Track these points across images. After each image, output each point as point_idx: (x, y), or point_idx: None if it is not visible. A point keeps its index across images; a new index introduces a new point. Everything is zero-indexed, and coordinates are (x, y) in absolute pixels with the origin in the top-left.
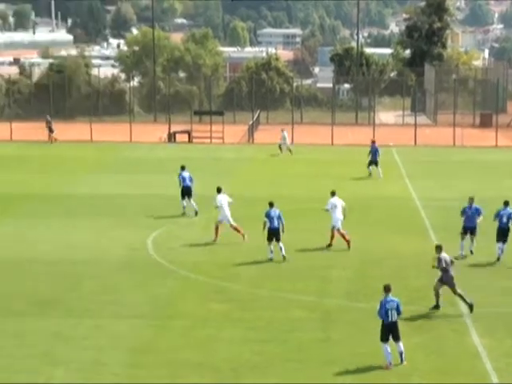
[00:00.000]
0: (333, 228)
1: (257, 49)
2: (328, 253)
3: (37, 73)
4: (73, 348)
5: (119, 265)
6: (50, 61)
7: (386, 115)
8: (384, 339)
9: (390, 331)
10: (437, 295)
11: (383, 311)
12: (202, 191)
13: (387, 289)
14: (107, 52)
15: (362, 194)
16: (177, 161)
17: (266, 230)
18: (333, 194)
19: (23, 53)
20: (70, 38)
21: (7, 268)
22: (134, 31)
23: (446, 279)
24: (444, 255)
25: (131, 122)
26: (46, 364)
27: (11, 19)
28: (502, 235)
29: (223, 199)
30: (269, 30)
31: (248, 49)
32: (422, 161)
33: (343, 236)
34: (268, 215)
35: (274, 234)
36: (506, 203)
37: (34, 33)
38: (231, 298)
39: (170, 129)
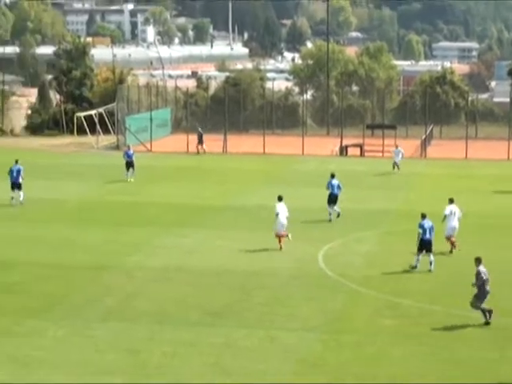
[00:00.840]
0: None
1: (431, 62)
2: (506, 270)
3: (213, 86)
4: (244, 359)
5: (290, 277)
6: (226, 74)
7: None
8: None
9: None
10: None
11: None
12: (375, 205)
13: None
14: (281, 65)
15: None
16: (348, 174)
17: (418, 240)
18: (451, 201)
19: (201, 66)
20: (246, 51)
21: (181, 277)
22: (309, 45)
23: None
24: (482, 269)
25: (304, 135)
26: (217, 373)
27: (191, 33)
28: None
29: (281, 208)
30: (444, 43)
31: (422, 62)
32: None
33: (453, 243)
34: (421, 226)
35: (425, 245)
36: None
37: (211, 46)
38: (402, 313)
39: (341, 142)
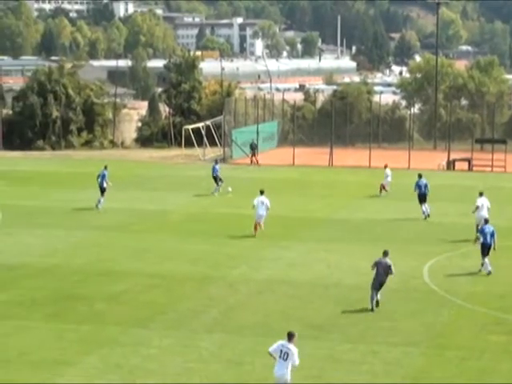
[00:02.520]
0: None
1: None
2: None
3: (320, 99)
4: (346, 372)
5: (395, 291)
6: (334, 87)
7: None
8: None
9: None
10: None
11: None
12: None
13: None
14: (389, 79)
15: None
16: (455, 188)
17: (480, 245)
18: (480, 194)
19: (308, 79)
20: (354, 64)
21: (285, 290)
22: (417, 58)
23: None
24: None
25: (410, 148)
26: None
27: (299, 46)
28: None
29: (259, 201)
30: None
31: None
32: None
33: None
34: (482, 231)
35: (487, 249)
36: None
37: (319, 60)
38: (510, 330)
39: (449, 156)
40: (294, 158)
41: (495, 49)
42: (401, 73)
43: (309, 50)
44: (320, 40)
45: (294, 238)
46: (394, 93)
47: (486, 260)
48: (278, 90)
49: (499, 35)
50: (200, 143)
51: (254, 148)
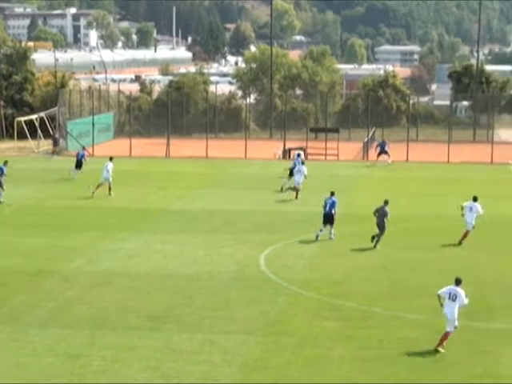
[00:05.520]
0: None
1: (374, 66)
2: (443, 270)
3: (156, 90)
4: (184, 363)
5: (231, 281)
6: (170, 78)
7: (506, 133)
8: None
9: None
10: None
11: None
12: (318, 208)
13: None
14: (225, 69)
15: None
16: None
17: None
18: (475, 199)
19: (144, 70)
20: (190, 55)
21: (123, 281)
22: (253, 48)
23: None
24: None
25: (247, 138)
26: (158, 377)
27: (134, 37)
28: None
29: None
30: (386, 47)
31: (365, 66)
32: None
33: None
34: (324, 202)
35: (326, 218)
36: None
37: (155, 50)
38: (344, 315)
39: (284, 145)
40: (131, 150)
41: (327, 39)
42: (236, 63)
43: (144, 41)
44: (155, 30)
45: (132, 230)
46: (230, 83)
47: (333, 230)
48: (113, 80)
49: (331, 25)
50: (34, 135)
51: (56, 139)
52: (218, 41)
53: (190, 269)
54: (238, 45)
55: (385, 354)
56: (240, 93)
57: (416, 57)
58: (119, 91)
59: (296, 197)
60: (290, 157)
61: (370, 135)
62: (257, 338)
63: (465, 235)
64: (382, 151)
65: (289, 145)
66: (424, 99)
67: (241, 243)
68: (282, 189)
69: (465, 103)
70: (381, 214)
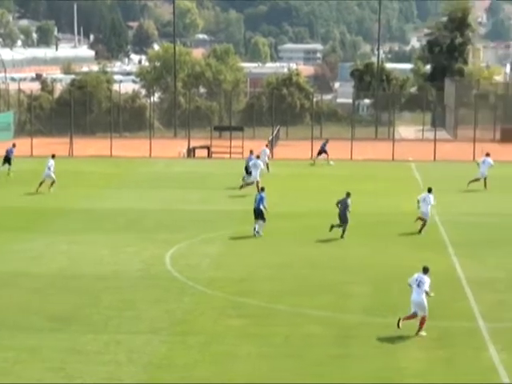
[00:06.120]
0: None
1: (278, 64)
2: (346, 267)
3: (58, 88)
4: (89, 363)
5: (137, 280)
6: (72, 76)
7: (406, 130)
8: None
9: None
10: None
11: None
12: (222, 206)
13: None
14: (128, 68)
15: (379, 208)
16: (195, 175)
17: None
18: (429, 190)
19: (46, 69)
20: (92, 53)
21: (27, 283)
22: (156, 47)
23: None
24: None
25: (151, 137)
26: (61, 378)
27: (34, 35)
28: None
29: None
30: (290, 45)
31: (269, 64)
32: (441, 176)
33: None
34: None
35: (256, 213)
36: None
37: (56, 49)
38: (248, 313)
39: (189, 144)
40: (32, 149)
41: (230, 37)
42: (140, 62)
43: (45, 39)
44: (56, 29)
45: (36, 230)
46: (134, 82)
47: (258, 224)
48: (13, 79)
49: (234, 24)
50: None
51: None
52: (121, 39)
53: (95, 269)
54: (142, 43)
55: (290, 350)
56: (144, 91)
57: (319, 55)
58: (19, 90)
59: (258, 190)
60: (194, 155)
61: (275, 133)
62: (162, 337)
63: (423, 224)
64: (322, 150)
65: (193, 143)
66: (327, 97)
67: (146, 242)
68: (241, 186)
69: (367, 101)
70: (343, 206)
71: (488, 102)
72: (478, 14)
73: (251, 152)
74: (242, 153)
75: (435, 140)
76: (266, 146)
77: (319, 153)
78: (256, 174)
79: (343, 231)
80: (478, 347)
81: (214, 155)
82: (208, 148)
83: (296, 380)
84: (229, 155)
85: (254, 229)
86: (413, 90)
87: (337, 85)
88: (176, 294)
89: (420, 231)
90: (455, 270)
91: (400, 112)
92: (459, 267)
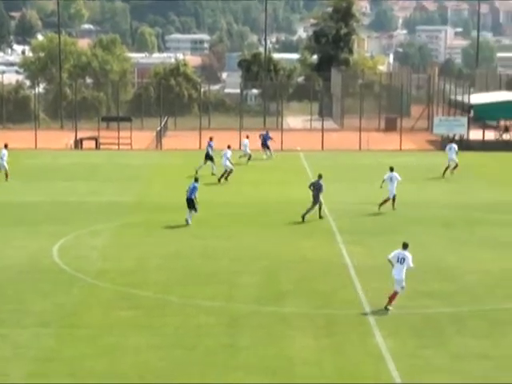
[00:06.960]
0: (388, 198)
1: (165, 54)
2: (236, 257)
3: None
4: None
5: (24, 273)
6: None
7: (294, 120)
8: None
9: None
10: None
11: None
12: (110, 198)
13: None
14: (11, 58)
15: (269, 197)
16: (83, 167)
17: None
18: (391, 169)
19: None
20: None
21: None
22: (40, 37)
23: None
24: None
25: (36, 129)
26: None
27: None
28: None
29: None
30: (176, 35)
31: (156, 54)
32: (328, 165)
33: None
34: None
35: (187, 203)
36: None
37: None
38: (138, 304)
39: (76, 135)
40: None
41: (116, 28)
42: (23, 52)
43: None
44: None
45: None
46: (18, 72)
47: (189, 214)
48: None
49: (120, 14)
50: None
51: None
52: (3, 29)
53: None
54: (25, 33)
55: (181, 340)
56: (28, 82)
57: (206, 45)
58: None
59: (226, 178)
60: (82, 146)
61: (163, 124)
62: (51, 331)
63: (385, 201)
64: (264, 143)
65: (80, 135)
66: (215, 87)
67: (33, 235)
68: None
69: (255, 91)
70: (316, 188)
71: (373, 91)
72: (362, 5)
73: (211, 139)
74: (131, 144)
75: (322, 129)
76: (247, 137)
77: (262, 145)
78: (225, 163)
79: (308, 210)
80: (365, 334)
81: (101, 146)
82: (96, 139)
83: (187, 370)
84: (117, 146)
85: (186, 219)
86: (300, 79)
87: (224, 75)
88: (65, 287)
89: (393, 207)
90: (342, 257)
91: (288, 102)
92: (346, 255)
